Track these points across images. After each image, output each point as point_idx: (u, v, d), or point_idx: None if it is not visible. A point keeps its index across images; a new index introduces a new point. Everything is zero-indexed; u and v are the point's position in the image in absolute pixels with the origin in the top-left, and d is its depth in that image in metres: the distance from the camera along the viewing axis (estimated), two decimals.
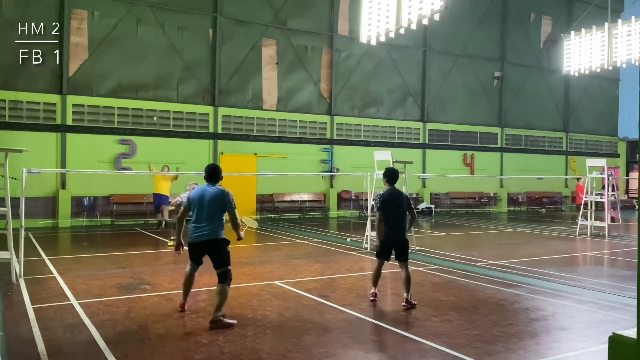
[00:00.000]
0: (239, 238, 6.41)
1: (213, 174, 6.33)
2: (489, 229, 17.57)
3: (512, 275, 9.23)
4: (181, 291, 6.71)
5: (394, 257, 7.38)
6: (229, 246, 6.25)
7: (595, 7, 23.41)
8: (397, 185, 7.46)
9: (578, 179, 20.96)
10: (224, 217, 6.24)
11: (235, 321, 6.08)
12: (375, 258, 7.42)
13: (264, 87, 20.11)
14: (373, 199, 7.19)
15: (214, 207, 6.15)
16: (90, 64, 17.05)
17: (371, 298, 7.28)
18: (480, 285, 8.43)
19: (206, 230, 6.11)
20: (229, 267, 6.14)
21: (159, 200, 14.18)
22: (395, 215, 7.18)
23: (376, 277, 7.33)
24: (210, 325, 5.89)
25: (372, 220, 12.07)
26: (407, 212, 7.29)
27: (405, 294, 7.04)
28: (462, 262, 10.56)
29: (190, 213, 6.30)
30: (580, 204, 19.63)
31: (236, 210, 6.27)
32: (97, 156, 17.00)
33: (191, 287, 6.61)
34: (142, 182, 16.44)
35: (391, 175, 7.42)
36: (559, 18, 27.56)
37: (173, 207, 12.87)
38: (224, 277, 6.07)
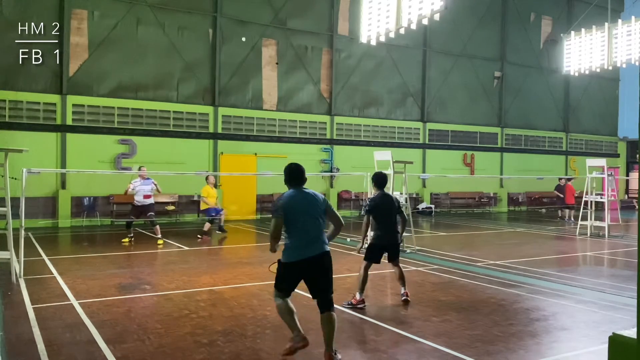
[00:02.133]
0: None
1: (299, 174, 5.15)
2: (489, 229, 17.57)
3: (512, 275, 9.23)
4: (181, 291, 6.68)
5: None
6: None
7: (595, 7, 23.40)
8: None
9: (568, 179, 21.03)
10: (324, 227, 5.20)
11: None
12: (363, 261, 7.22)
13: (264, 87, 20.11)
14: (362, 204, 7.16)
15: (318, 213, 5.05)
16: (90, 64, 17.05)
17: (360, 306, 6.88)
18: (480, 285, 8.43)
19: (316, 243, 4.98)
20: (332, 291, 5.14)
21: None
22: (388, 219, 7.25)
23: (364, 282, 7.04)
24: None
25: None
26: (398, 216, 7.40)
27: (402, 289, 7.25)
28: (462, 262, 10.56)
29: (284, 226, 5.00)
30: (569, 204, 19.79)
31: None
32: (97, 156, 17.01)
33: (295, 315, 5.05)
34: None
35: (380, 180, 7.40)
36: (559, 18, 27.56)
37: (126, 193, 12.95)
38: (330, 303, 5.05)
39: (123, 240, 12.78)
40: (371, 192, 12.42)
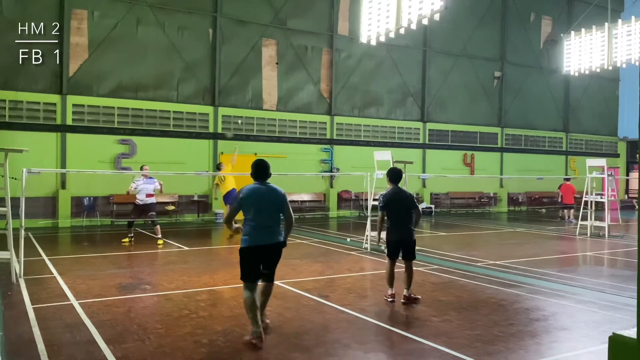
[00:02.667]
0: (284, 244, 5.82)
1: (263, 170, 5.73)
2: (489, 229, 17.58)
3: (512, 275, 9.23)
4: (181, 291, 6.69)
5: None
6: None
7: (595, 7, 23.41)
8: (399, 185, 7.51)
9: (565, 179, 21.05)
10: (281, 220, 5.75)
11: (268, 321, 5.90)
12: (381, 258, 7.46)
13: (264, 87, 20.11)
14: (375, 199, 7.23)
15: (273, 207, 5.61)
16: (90, 64, 17.05)
17: (389, 299, 7.15)
18: (480, 285, 8.43)
19: (268, 233, 5.52)
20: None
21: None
22: (401, 214, 7.26)
23: (391, 277, 7.28)
24: (264, 324, 5.69)
25: (372, 221, 12.08)
26: (413, 211, 7.36)
27: (405, 291, 7.19)
28: (462, 262, 10.56)
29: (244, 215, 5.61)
30: (568, 204, 19.80)
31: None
32: (97, 156, 17.00)
33: (258, 310, 5.56)
34: None
35: (395, 175, 7.49)
36: (559, 18, 27.56)
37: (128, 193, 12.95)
38: (272, 277, 5.75)
39: (123, 240, 12.78)
40: (372, 191, 12.47)
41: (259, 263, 5.56)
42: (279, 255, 5.71)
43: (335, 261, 10.59)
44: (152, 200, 12.85)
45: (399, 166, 12.07)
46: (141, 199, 12.69)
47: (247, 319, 6.19)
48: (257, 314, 5.41)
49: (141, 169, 13.00)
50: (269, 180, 5.80)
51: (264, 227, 5.51)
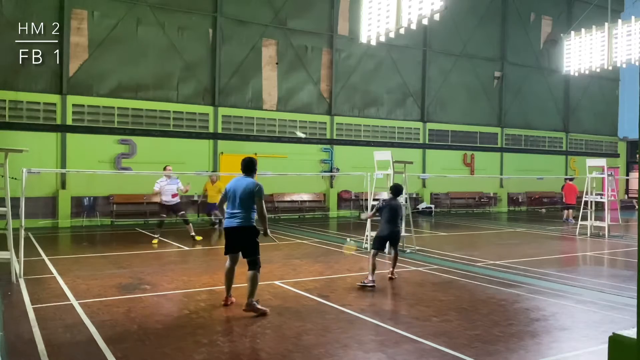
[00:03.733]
0: (265, 233, 6.79)
1: (247, 165, 6.81)
2: (489, 229, 17.57)
3: (512, 275, 9.23)
4: (181, 291, 6.74)
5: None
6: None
7: (595, 7, 23.41)
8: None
9: (566, 179, 21.04)
10: (254, 208, 6.63)
11: (267, 309, 6.48)
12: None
13: (264, 87, 20.12)
14: (375, 199, 9.08)
15: (245, 197, 6.56)
16: (90, 64, 17.05)
17: (370, 285, 8.05)
18: (480, 285, 8.43)
19: (238, 217, 6.54)
20: (258, 256, 6.60)
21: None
22: (393, 217, 8.73)
23: (374, 266, 8.35)
24: (245, 309, 6.37)
25: (371, 221, 12.08)
26: (401, 216, 9.10)
27: (391, 269, 8.94)
28: (462, 262, 10.56)
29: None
30: (569, 204, 19.78)
31: (263, 203, 6.68)
32: (97, 156, 17.01)
33: (232, 281, 6.87)
34: (142, 182, 16.42)
35: (397, 190, 9.18)
36: (559, 18, 27.56)
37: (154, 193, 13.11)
38: (254, 265, 6.53)
39: (153, 241, 12.67)
40: (372, 191, 12.48)
41: (231, 242, 6.68)
42: (249, 238, 6.56)
43: (335, 261, 10.59)
44: (177, 200, 12.97)
45: (399, 166, 12.17)
46: (167, 199, 12.78)
47: (247, 319, 6.24)
48: (230, 284, 6.83)
49: (164, 169, 12.98)
50: (255, 175, 6.89)
51: (234, 212, 6.57)
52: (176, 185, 12.82)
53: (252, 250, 6.59)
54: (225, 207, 6.88)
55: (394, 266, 8.97)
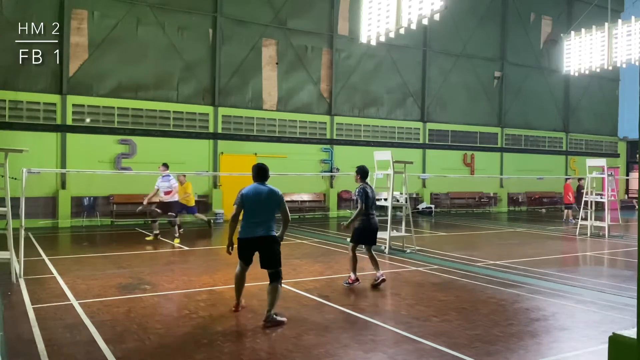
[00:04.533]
0: (281, 239, 6.50)
1: (263, 172, 6.54)
2: (489, 229, 17.58)
3: (512, 275, 9.23)
4: (181, 291, 6.72)
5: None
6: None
7: (595, 7, 23.39)
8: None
9: (567, 179, 21.05)
10: (275, 216, 6.40)
11: (285, 319, 6.17)
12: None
13: (264, 87, 20.11)
14: (357, 193, 8.28)
15: (272, 205, 6.36)
16: (90, 64, 17.05)
17: (354, 284, 8.03)
18: (480, 285, 8.43)
19: (264, 227, 6.26)
20: (281, 267, 6.30)
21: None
22: (373, 206, 8.29)
23: (355, 262, 8.13)
24: (265, 323, 5.99)
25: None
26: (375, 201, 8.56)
27: (377, 272, 8.20)
28: (462, 262, 10.56)
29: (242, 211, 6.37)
30: (569, 204, 19.77)
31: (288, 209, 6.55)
32: (97, 156, 17.00)
33: (243, 287, 6.60)
34: (142, 182, 16.41)
35: (367, 172, 8.51)
36: (559, 18, 27.56)
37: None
38: (277, 276, 6.23)
39: (147, 238, 12.91)
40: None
41: (250, 253, 6.36)
42: (272, 247, 6.26)
43: (335, 261, 10.59)
44: (170, 198, 12.88)
45: (399, 166, 12.16)
46: (161, 197, 12.90)
47: (247, 319, 6.23)
48: (241, 290, 6.54)
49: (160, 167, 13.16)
50: (267, 182, 6.57)
51: (257, 221, 6.24)
52: (167, 183, 12.78)
53: (277, 260, 6.27)
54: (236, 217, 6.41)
55: (377, 268, 8.26)
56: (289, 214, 6.53)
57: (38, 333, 5.62)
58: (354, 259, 8.14)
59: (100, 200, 17.17)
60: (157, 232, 13.11)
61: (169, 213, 12.92)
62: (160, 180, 12.88)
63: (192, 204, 14.80)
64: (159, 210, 12.97)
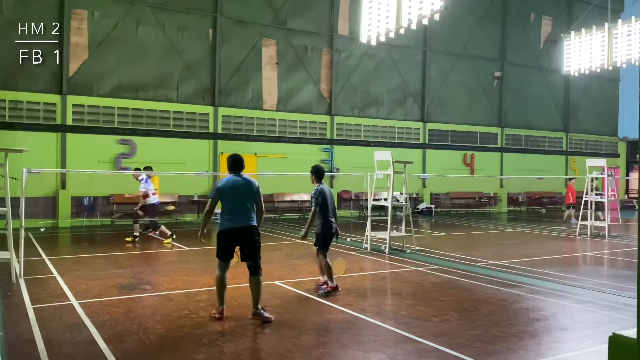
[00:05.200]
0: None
1: (238, 163, 6.43)
2: (489, 229, 17.57)
3: (512, 275, 9.23)
4: (181, 291, 6.71)
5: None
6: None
7: (595, 7, 23.40)
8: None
9: (570, 179, 21.05)
10: (254, 207, 6.37)
11: (272, 317, 6.19)
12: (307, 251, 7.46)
13: (264, 87, 20.11)
14: (313, 195, 7.62)
15: (251, 195, 6.30)
16: (90, 64, 17.05)
17: (337, 293, 7.50)
18: (480, 285, 8.43)
19: (246, 217, 6.22)
20: (259, 260, 6.29)
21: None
22: (332, 206, 7.82)
23: (330, 269, 7.64)
24: (253, 318, 6.11)
25: (372, 220, 12.09)
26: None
27: (321, 277, 7.77)
28: (462, 262, 10.56)
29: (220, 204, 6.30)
30: (569, 204, 19.77)
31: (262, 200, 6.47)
32: (97, 156, 17.01)
33: (225, 290, 6.37)
34: None
35: (323, 172, 8.12)
36: (559, 18, 27.56)
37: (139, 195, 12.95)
38: (258, 268, 6.24)
39: (127, 239, 12.80)
40: (372, 191, 12.47)
41: (232, 245, 6.29)
42: (254, 238, 6.25)
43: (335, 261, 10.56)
44: (148, 201, 12.77)
45: (399, 166, 12.15)
46: (142, 200, 12.90)
47: (247, 319, 6.21)
48: (224, 292, 6.30)
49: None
50: (242, 173, 6.48)
51: (238, 212, 6.19)
52: (141, 185, 12.75)
53: (257, 251, 6.27)
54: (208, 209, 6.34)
55: (323, 274, 7.78)
56: (264, 206, 6.49)
57: (38, 333, 5.62)
58: (327, 266, 7.64)
59: (100, 200, 17.18)
60: (137, 234, 12.90)
61: (137, 211, 12.82)
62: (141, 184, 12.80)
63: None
64: (140, 212, 12.89)
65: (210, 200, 6.37)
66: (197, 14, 18.77)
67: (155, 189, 13.73)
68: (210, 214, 6.27)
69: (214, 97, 19.04)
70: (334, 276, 7.72)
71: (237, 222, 6.18)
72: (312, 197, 7.65)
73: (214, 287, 7.97)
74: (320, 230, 7.70)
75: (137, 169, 13.38)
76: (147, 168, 13.92)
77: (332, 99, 21.36)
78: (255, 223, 6.29)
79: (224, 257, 6.29)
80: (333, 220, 7.73)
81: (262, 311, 6.15)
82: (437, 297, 7.58)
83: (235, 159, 6.45)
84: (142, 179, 12.86)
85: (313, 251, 11.84)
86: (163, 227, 12.99)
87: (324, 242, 7.73)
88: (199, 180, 18.50)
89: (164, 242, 12.70)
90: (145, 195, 12.75)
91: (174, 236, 12.93)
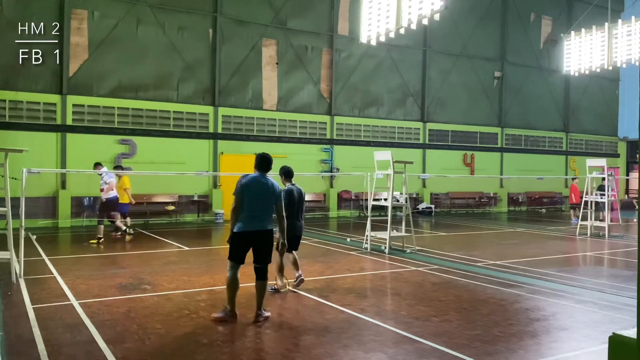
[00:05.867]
0: (283, 238, 6.51)
1: (267, 162, 6.25)
2: (489, 229, 17.57)
3: (512, 275, 9.23)
4: (181, 291, 6.71)
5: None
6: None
7: (595, 7, 23.40)
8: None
9: (573, 179, 21.05)
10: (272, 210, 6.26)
11: (269, 314, 6.29)
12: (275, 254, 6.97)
13: (264, 87, 20.11)
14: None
15: (270, 199, 6.14)
16: (90, 64, 17.04)
17: (275, 288, 7.58)
18: (480, 285, 8.43)
19: (265, 220, 6.10)
20: (268, 265, 6.26)
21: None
22: (298, 207, 7.89)
23: (282, 268, 7.67)
24: (256, 320, 6.10)
25: (372, 220, 12.09)
26: (302, 205, 8.08)
27: (297, 272, 7.87)
28: (462, 262, 10.56)
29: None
30: (573, 204, 19.76)
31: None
32: (97, 156, 16.92)
33: (238, 292, 6.18)
34: (143, 182, 16.46)
35: (292, 173, 8.17)
36: (559, 18, 27.56)
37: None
38: (265, 273, 6.23)
39: (92, 241, 12.54)
40: (372, 191, 12.46)
41: (246, 248, 6.12)
42: (270, 242, 6.20)
43: (335, 261, 10.59)
44: (107, 196, 12.71)
45: (399, 166, 12.15)
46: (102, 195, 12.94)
47: (247, 319, 6.21)
48: (235, 295, 6.12)
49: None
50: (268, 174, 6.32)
51: (258, 214, 6.06)
52: (102, 179, 12.70)
53: (269, 257, 6.19)
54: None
55: (297, 268, 7.92)
56: (284, 212, 6.41)
57: (38, 333, 5.61)
58: (281, 266, 7.60)
59: (100, 200, 17.13)
60: (100, 236, 12.58)
61: (111, 212, 12.74)
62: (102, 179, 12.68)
63: (126, 201, 13.91)
64: (112, 213, 12.82)
65: (235, 197, 6.12)
66: (197, 14, 18.77)
67: (127, 188, 13.77)
68: (238, 210, 6.06)
69: (214, 97, 19.04)
70: (282, 277, 7.71)
71: (253, 225, 6.03)
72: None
73: (214, 287, 7.97)
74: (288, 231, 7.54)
75: (97, 164, 13.20)
76: (117, 167, 14.01)
77: (332, 99, 21.36)
78: (271, 227, 6.15)
79: (237, 259, 6.12)
80: (298, 222, 7.80)
81: (263, 311, 6.23)
82: (437, 297, 7.58)
83: (265, 158, 6.27)
84: (102, 174, 12.73)
85: (313, 251, 11.89)
86: (118, 222, 13.09)
87: (288, 243, 7.33)
88: (199, 180, 18.49)
89: (91, 241, 12.49)
90: (109, 189, 12.60)
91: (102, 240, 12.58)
